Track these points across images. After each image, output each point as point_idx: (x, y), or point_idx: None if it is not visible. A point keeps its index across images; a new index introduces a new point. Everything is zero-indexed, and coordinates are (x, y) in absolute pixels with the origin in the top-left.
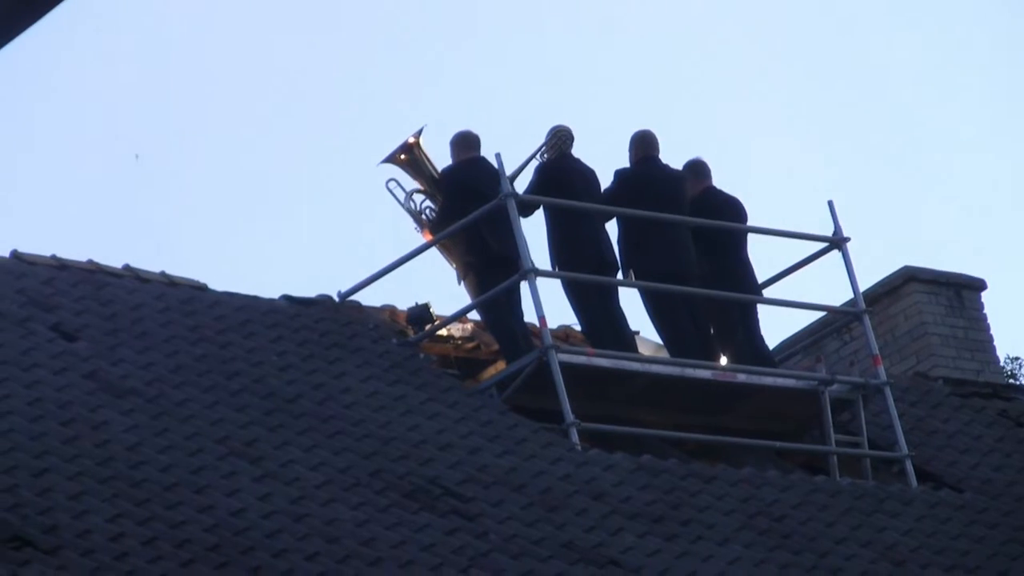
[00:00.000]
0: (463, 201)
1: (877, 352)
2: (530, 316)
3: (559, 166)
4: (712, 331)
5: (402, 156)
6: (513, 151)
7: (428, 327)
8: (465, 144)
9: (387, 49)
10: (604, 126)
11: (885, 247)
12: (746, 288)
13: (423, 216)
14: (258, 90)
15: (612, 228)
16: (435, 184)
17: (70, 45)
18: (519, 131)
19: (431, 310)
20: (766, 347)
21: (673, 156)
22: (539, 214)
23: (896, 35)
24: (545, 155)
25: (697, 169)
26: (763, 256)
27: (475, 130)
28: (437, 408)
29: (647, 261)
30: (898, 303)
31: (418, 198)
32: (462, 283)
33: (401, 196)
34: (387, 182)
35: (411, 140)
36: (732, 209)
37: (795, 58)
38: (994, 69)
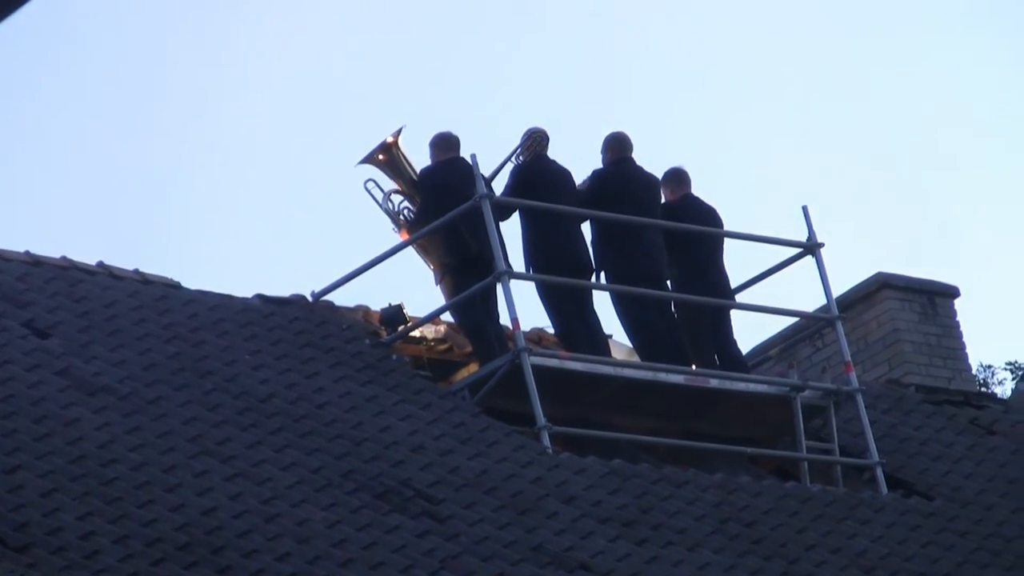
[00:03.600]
0: (441, 202)
1: (849, 358)
2: (504, 318)
3: (534, 168)
4: (684, 336)
5: (380, 156)
6: (492, 152)
7: (401, 328)
8: (444, 145)
9: (367, 49)
10: (580, 128)
11: (859, 253)
12: (720, 295)
13: (401, 216)
14: (237, 89)
15: (587, 228)
16: (414, 185)
17: (47, 43)
18: (498, 132)
19: (404, 311)
20: (739, 353)
21: (650, 160)
22: (515, 216)
23: (876, 42)
24: (521, 157)
25: (677, 176)
26: (737, 260)
27: (455, 131)
28: (409, 410)
29: (620, 263)
30: (871, 309)
31: (396, 199)
32: (440, 284)
33: (379, 196)
34: (365, 182)
35: (389, 140)
36: (709, 217)
37: (772, 63)
38: (973, 77)
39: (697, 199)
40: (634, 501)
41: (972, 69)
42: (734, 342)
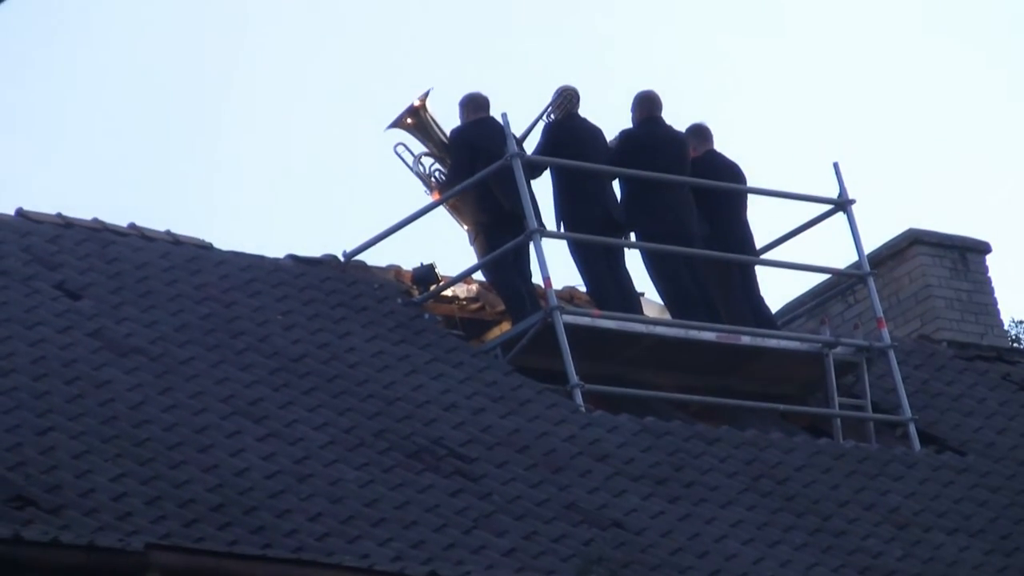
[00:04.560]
0: (472, 161)
1: (881, 315)
2: (536, 277)
3: (566, 126)
4: (715, 293)
5: (409, 120)
6: (521, 112)
7: (433, 287)
8: (474, 105)
9: (395, 9)
10: (610, 86)
11: (890, 209)
12: (746, 251)
13: (432, 179)
14: (269, 50)
15: (617, 187)
16: (444, 147)
17: (78, 5)
18: (527, 92)
19: (436, 270)
20: (767, 309)
21: (677, 117)
22: (547, 174)
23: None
24: (552, 115)
25: (699, 132)
26: (768, 218)
27: (483, 91)
28: (441, 368)
29: (650, 222)
30: (903, 265)
31: (427, 161)
32: (473, 244)
33: (410, 160)
34: (395, 146)
35: (416, 103)
36: (732, 173)
37: (801, 18)
38: (1001, 30)
39: (719, 155)
40: (667, 459)
41: (1005, 25)
42: (761, 299)
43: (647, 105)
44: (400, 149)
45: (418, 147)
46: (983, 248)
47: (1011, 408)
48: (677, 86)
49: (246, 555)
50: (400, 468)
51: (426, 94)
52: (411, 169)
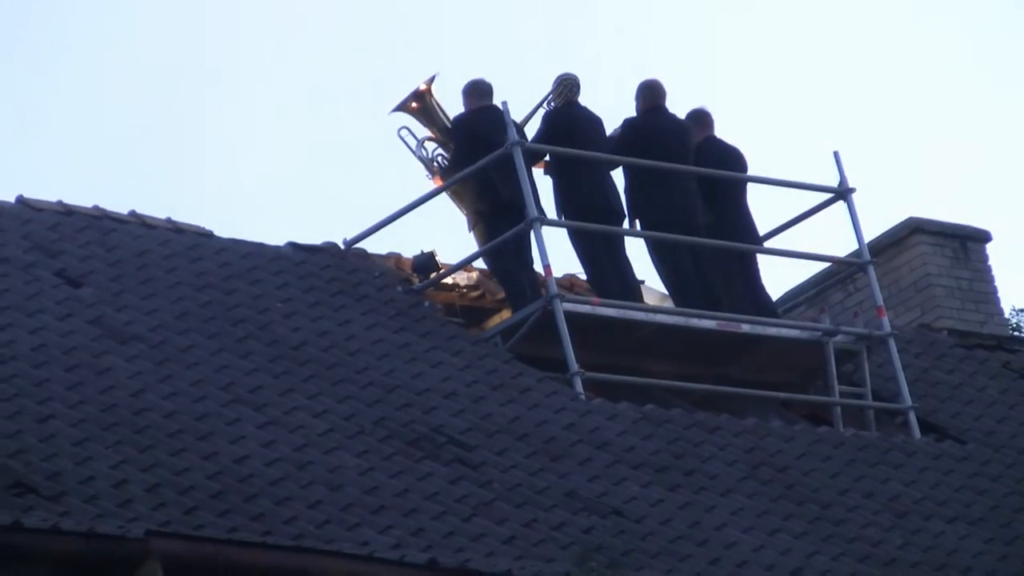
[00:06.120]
0: (474, 149)
1: (881, 303)
2: (536, 265)
3: (565, 114)
4: (717, 282)
5: (413, 104)
6: (524, 100)
7: (433, 275)
8: (477, 92)
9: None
10: (611, 74)
11: (891, 198)
12: (747, 238)
13: (435, 164)
14: (268, 34)
15: (618, 176)
16: (447, 132)
17: None
18: (530, 79)
19: (436, 258)
20: (768, 298)
21: (678, 104)
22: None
23: None
24: (552, 103)
25: (699, 118)
26: (768, 206)
27: (487, 78)
28: (441, 356)
29: (653, 211)
30: (903, 254)
31: (430, 146)
32: (472, 231)
33: (413, 144)
34: (399, 130)
35: (423, 88)
36: (732, 159)
37: (801, 6)
38: (1000, 19)
39: (719, 141)
40: (667, 447)
41: (1005, 14)
42: (762, 287)
43: (650, 94)
44: (404, 133)
45: (422, 131)
46: (983, 237)
47: (1011, 396)
48: (677, 75)
49: (246, 542)
50: (400, 456)
51: (432, 79)
52: (414, 153)
